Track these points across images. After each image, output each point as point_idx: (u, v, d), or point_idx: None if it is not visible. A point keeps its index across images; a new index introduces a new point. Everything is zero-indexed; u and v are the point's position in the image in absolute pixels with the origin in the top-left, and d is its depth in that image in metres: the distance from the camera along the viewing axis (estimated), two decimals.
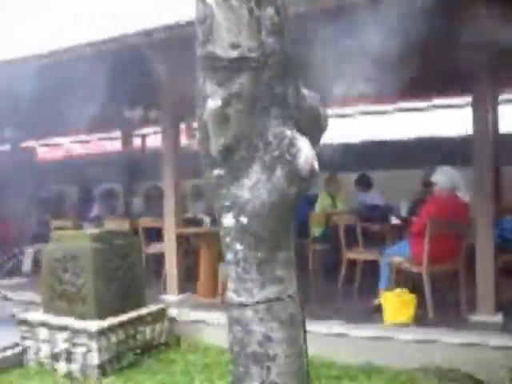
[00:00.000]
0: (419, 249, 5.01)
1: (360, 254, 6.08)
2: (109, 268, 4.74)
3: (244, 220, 1.91)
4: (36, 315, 4.91)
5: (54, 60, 6.04)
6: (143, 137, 10.80)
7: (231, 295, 1.99)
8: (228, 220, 1.94)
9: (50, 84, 7.25)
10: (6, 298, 5.80)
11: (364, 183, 7.70)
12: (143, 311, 4.96)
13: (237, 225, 1.92)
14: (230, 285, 2.00)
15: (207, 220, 5.98)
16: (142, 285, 5.15)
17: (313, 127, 2.04)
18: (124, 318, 4.73)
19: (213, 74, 1.85)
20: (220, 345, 4.88)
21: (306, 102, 2.01)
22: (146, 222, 6.94)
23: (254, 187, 1.89)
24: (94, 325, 4.46)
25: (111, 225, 7.23)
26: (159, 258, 6.72)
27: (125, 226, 6.97)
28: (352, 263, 6.19)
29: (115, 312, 4.75)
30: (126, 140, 10.39)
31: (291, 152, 1.85)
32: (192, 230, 5.99)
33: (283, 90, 1.89)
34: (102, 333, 4.45)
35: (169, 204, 5.97)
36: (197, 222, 6.16)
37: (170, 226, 5.96)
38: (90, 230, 5.43)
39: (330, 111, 2.72)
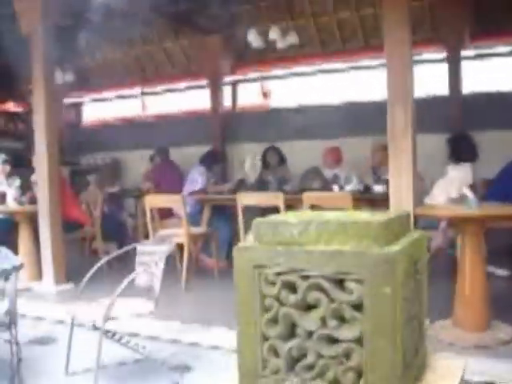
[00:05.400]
0: None
1: None
2: (407, 299, 2.09)
3: None
4: None
5: None
6: (234, 85, 7.97)
7: None
8: None
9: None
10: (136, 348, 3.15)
11: None
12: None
13: None
14: None
15: (472, 197, 3.28)
16: (424, 320, 2.51)
17: None
18: None
19: None
20: None
21: None
22: (315, 197, 4.26)
23: None
24: None
25: (247, 202, 4.62)
26: None
27: (277, 203, 4.34)
28: None
29: None
30: (215, 90, 7.55)
31: None
32: (458, 210, 3.25)
33: None
34: None
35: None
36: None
37: (407, 204, 3.30)
38: (371, 214, 2.62)
39: None
